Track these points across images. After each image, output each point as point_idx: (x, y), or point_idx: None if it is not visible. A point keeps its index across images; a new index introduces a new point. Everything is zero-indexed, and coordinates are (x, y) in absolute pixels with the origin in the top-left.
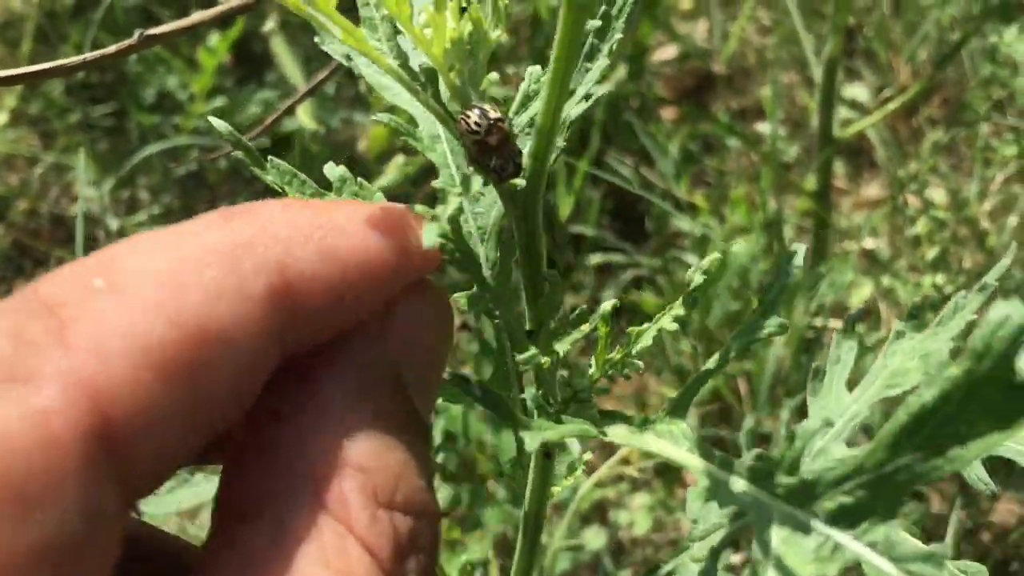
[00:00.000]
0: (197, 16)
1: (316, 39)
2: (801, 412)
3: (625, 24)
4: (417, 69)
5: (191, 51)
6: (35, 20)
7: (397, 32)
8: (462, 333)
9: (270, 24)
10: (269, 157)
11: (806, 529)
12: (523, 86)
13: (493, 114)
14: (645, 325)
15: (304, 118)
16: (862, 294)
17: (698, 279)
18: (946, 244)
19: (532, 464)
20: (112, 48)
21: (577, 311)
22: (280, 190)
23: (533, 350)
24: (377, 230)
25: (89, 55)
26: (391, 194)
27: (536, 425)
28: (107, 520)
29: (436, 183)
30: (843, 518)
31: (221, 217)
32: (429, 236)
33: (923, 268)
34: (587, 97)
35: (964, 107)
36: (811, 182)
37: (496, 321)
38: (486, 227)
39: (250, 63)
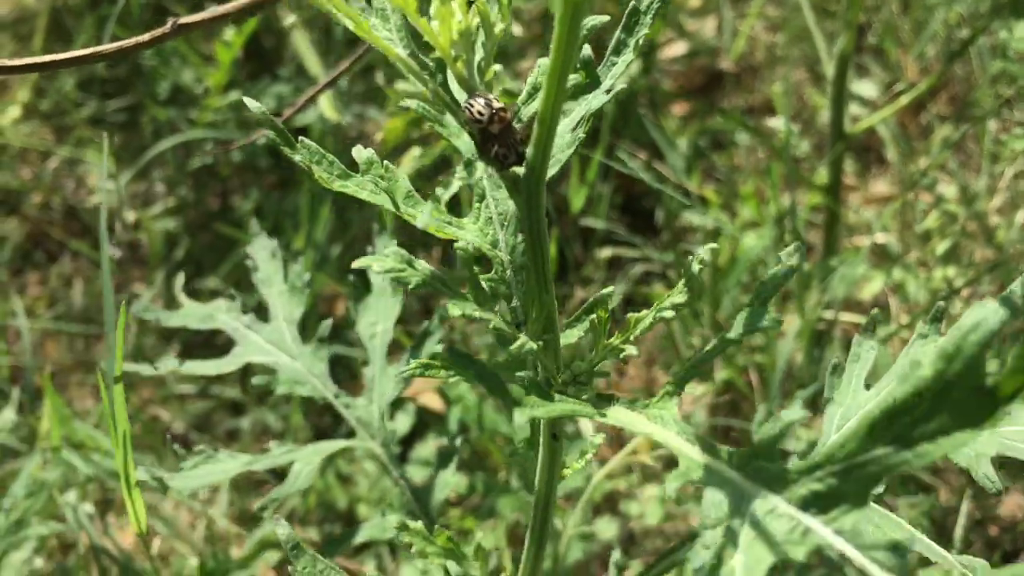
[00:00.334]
0: (231, 5)
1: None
2: (814, 404)
3: (652, 19)
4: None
5: (206, 46)
6: (47, 15)
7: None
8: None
9: (292, 18)
10: (300, 137)
11: (779, 513)
12: (531, 78)
13: (496, 104)
14: (644, 312)
15: (327, 109)
16: (873, 288)
17: (696, 267)
18: (957, 238)
19: (541, 445)
20: (147, 36)
21: (590, 301)
22: (308, 169)
23: (522, 338)
24: None
25: (125, 42)
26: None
27: (528, 402)
28: None
29: (460, 169)
30: (814, 504)
31: None
32: (423, 218)
33: (933, 263)
34: (609, 90)
35: (972, 104)
36: (822, 176)
37: (512, 304)
38: (506, 213)
39: (260, 59)
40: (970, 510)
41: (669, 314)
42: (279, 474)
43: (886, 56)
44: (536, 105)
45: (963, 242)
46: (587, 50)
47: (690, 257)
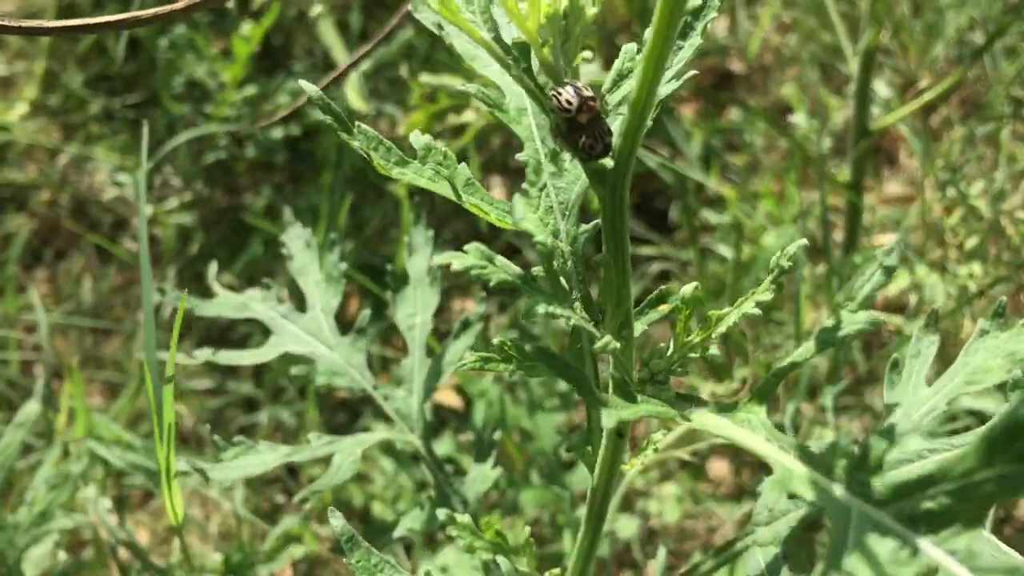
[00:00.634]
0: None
1: (408, 6)
2: (837, 404)
3: (721, 2)
4: (509, 43)
5: (220, 41)
6: (54, 13)
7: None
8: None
9: (318, 8)
10: (357, 123)
11: (884, 530)
12: (617, 64)
13: (586, 92)
14: (726, 309)
15: (353, 98)
16: (899, 284)
17: (785, 263)
18: (984, 234)
19: (604, 441)
20: (180, 3)
21: (656, 292)
22: (366, 155)
23: (607, 337)
24: None
25: (160, 9)
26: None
27: (614, 403)
28: None
29: (521, 156)
30: (925, 522)
31: None
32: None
33: (959, 259)
34: (679, 76)
35: (986, 106)
36: (844, 174)
37: (574, 296)
38: (567, 202)
39: (270, 55)
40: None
41: (754, 311)
42: (291, 470)
43: (897, 58)
44: (621, 93)
45: (991, 238)
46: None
47: (775, 257)
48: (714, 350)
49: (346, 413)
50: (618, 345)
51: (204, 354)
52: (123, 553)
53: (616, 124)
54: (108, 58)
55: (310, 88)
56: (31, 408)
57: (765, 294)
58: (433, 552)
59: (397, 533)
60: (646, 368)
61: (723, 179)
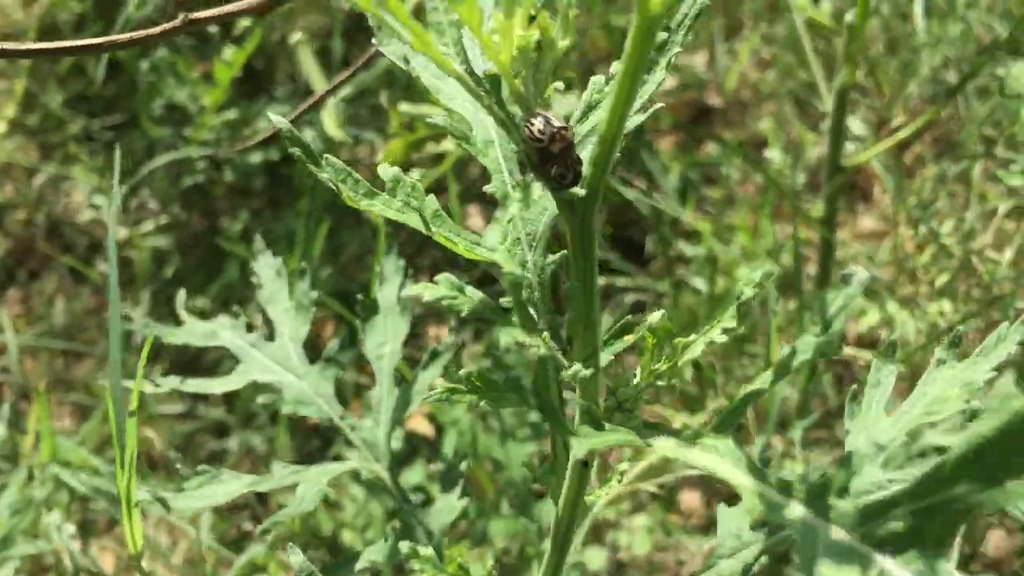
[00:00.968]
0: (243, 2)
1: (373, 40)
2: (808, 438)
3: (685, 36)
4: (480, 75)
5: (201, 65)
6: (36, 31)
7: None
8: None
9: (298, 35)
10: (325, 156)
11: (851, 552)
12: (585, 95)
13: (557, 123)
14: (692, 336)
15: (329, 126)
16: (869, 320)
17: (748, 292)
18: (954, 272)
19: (569, 471)
20: (157, 28)
21: (621, 322)
22: (335, 187)
23: (577, 365)
24: None
25: (136, 33)
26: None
27: (583, 432)
28: None
29: (489, 188)
30: (891, 544)
31: None
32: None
33: (928, 297)
34: (644, 108)
35: (958, 145)
36: (818, 209)
37: (541, 326)
38: (535, 233)
39: (252, 80)
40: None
41: (721, 338)
42: (260, 496)
43: (872, 96)
44: (590, 124)
45: (960, 276)
46: None
47: (739, 283)
48: (686, 376)
49: (319, 439)
50: (586, 373)
51: (171, 382)
52: None
53: (585, 154)
54: (88, 79)
55: (279, 120)
56: None
57: (730, 321)
58: None
59: (359, 566)
60: (613, 397)
61: (699, 211)
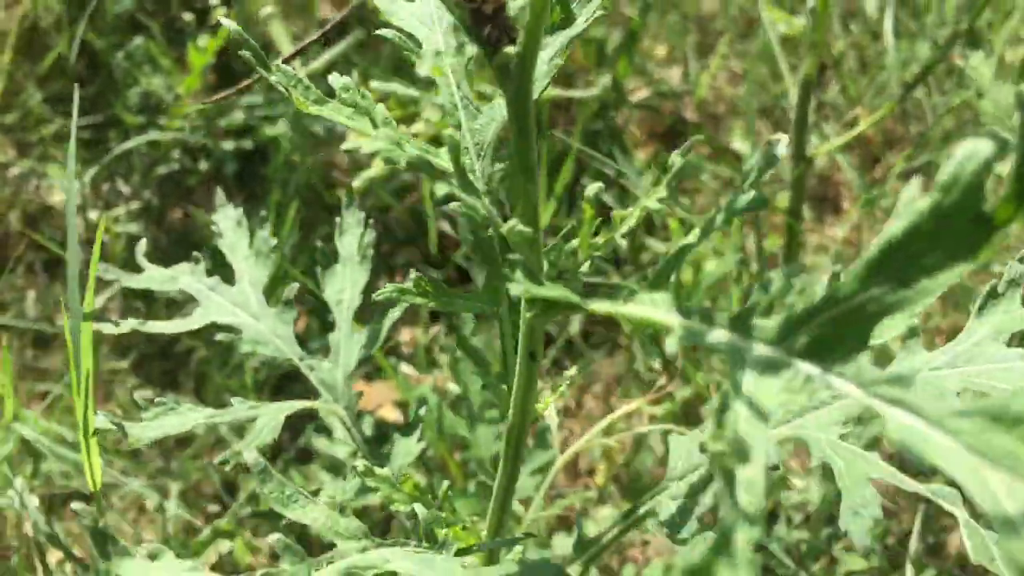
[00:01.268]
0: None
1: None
2: None
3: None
4: None
5: (175, 50)
6: (16, 34)
7: None
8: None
9: (268, 8)
10: (275, 63)
11: (777, 365)
12: None
13: None
14: (629, 208)
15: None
16: None
17: (678, 161)
18: None
19: (517, 368)
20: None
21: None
22: (286, 91)
23: (514, 220)
24: None
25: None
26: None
27: (518, 279)
28: None
29: (436, 100)
30: (811, 352)
31: None
32: (372, 144)
33: None
34: (586, 21)
35: (924, 144)
36: (784, 199)
37: (489, 233)
38: (483, 143)
39: (231, 80)
40: (922, 537)
41: (656, 206)
42: (229, 483)
43: (841, 110)
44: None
45: None
46: None
47: (674, 153)
48: (621, 243)
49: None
50: (525, 228)
51: (131, 324)
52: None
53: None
54: (67, 78)
55: (228, 23)
56: None
57: (663, 190)
58: None
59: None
60: (553, 267)
61: (670, 211)
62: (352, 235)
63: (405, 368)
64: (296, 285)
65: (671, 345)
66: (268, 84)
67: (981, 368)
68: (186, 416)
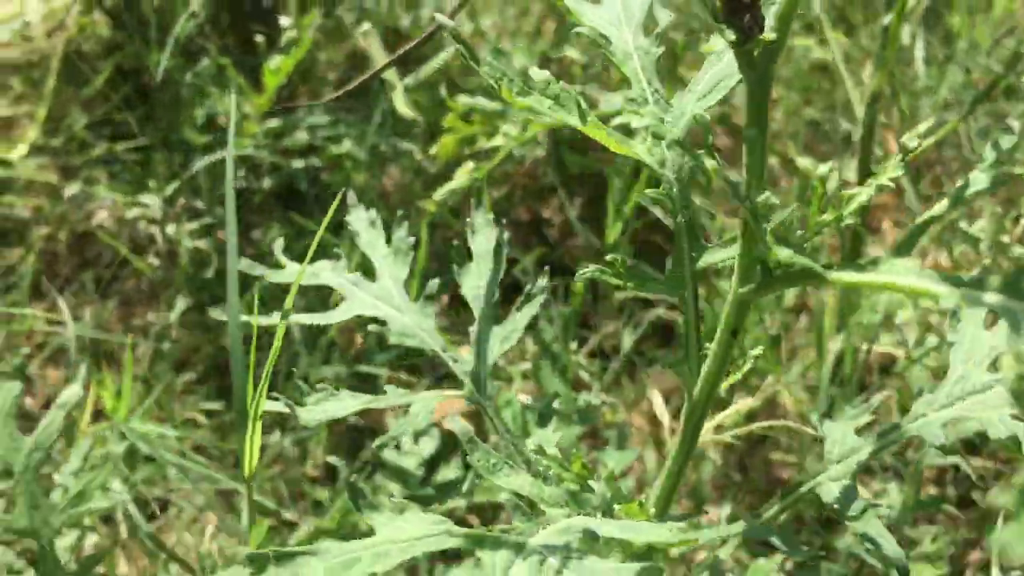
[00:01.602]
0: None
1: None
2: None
3: None
4: None
5: (245, 73)
6: (60, 58)
7: None
8: None
9: (366, 25)
10: (483, 57)
11: None
12: None
13: None
14: (857, 189)
15: (399, 104)
16: (906, 314)
17: (912, 144)
18: (989, 262)
19: (714, 346)
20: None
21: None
22: (494, 84)
23: (768, 192)
24: None
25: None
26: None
27: (773, 244)
28: None
29: (628, 94)
30: None
31: None
32: (639, 121)
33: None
34: None
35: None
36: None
37: (679, 219)
38: (675, 136)
39: (291, 94)
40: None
41: (888, 184)
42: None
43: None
44: None
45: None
46: None
47: (905, 136)
48: (850, 221)
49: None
50: (773, 198)
51: (280, 317)
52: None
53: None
54: (112, 103)
55: (442, 19)
56: (73, 391)
57: (894, 170)
58: None
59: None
60: (783, 242)
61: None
62: (483, 234)
63: None
64: (437, 281)
65: (952, 313)
66: (335, 107)
67: None
68: (345, 402)
